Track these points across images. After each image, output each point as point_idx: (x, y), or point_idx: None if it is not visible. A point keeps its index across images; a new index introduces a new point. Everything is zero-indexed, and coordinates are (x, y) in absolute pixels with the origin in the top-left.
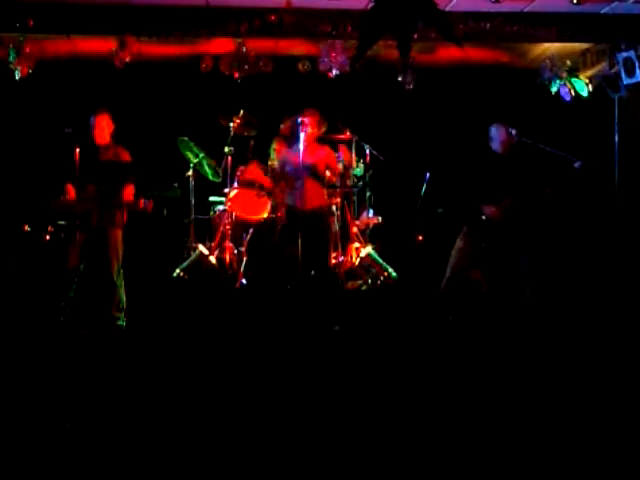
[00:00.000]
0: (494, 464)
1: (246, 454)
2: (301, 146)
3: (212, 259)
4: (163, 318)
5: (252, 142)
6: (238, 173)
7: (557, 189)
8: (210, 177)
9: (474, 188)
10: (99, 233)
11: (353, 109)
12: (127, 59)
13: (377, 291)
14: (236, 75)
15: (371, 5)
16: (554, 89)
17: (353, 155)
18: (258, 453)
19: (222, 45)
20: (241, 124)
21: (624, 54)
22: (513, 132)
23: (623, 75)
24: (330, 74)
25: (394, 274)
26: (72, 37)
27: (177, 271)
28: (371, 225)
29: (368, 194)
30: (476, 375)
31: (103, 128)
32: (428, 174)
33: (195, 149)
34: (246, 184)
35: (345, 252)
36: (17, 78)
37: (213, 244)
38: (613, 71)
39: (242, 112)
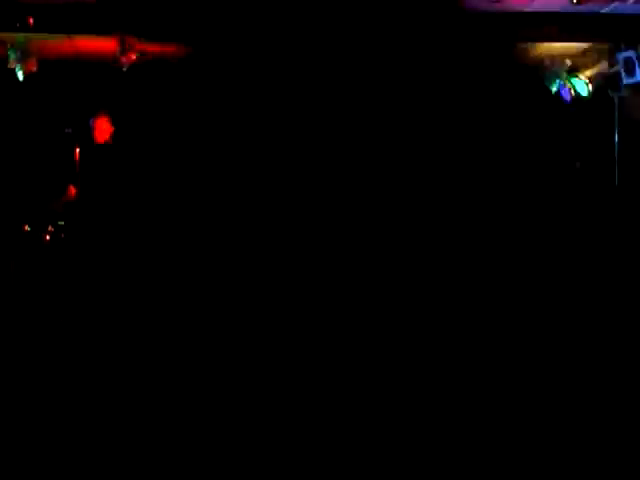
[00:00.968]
0: (494, 464)
1: (247, 454)
2: None
3: None
4: None
5: None
6: None
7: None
8: None
9: None
10: None
11: None
12: (133, 58)
13: None
14: None
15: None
16: (554, 89)
17: None
18: (259, 453)
19: None
20: None
21: (624, 54)
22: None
23: (623, 75)
24: None
25: None
26: (73, 37)
27: None
28: None
29: None
30: (476, 375)
31: (103, 130)
32: None
33: None
34: None
35: None
36: (21, 79)
37: None
38: (613, 71)
39: None
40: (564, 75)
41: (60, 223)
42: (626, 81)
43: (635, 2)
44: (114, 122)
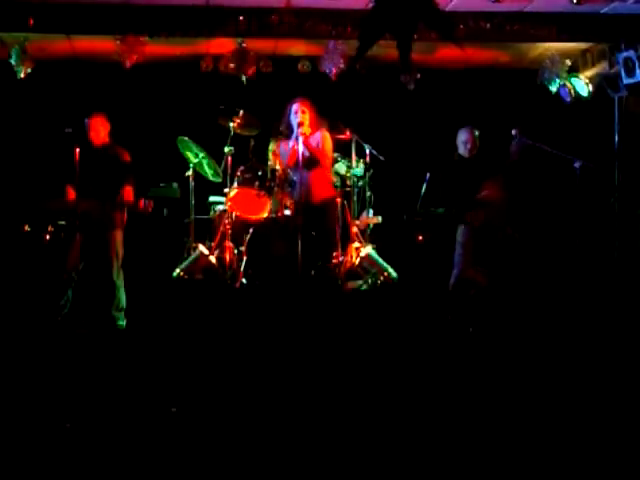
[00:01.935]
0: (494, 464)
1: (246, 454)
2: (298, 133)
3: (212, 259)
4: (163, 318)
5: (252, 142)
6: (238, 173)
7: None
8: (210, 177)
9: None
10: (99, 233)
11: (353, 109)
12: (135, 59)
13: (377, 291)
14: (249, 73)
15: (371, 5)
16: (554, 89)
17: (353, 155)
18: (257, 453)
19: (223, 45)
20: (241, 124)
21: (624, 54)
22: (513, 132)
23: (623, 75)
24: (333, 75)
25: (394, 274)
26: (72, 37)
27: (177, 271)
28: (371, 225)
29: (368, 194)
30: (476, 375)
31: (99, 130)
32: (428, 174)
33: (195, 149)
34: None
35: (345, 252)
36: (21, 77)
37: (213, 244)
38: (613, 71)
39: (242, 112)
40: (564, 75)
41: (60, 223)
42: (626, 81)
43: (635, 2)
44: (112, 122)
